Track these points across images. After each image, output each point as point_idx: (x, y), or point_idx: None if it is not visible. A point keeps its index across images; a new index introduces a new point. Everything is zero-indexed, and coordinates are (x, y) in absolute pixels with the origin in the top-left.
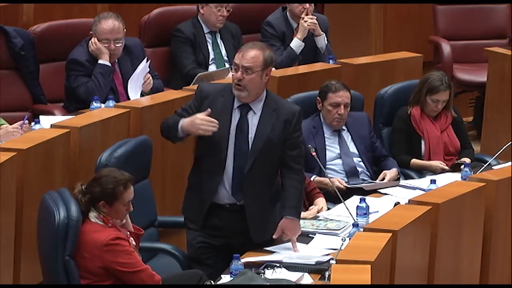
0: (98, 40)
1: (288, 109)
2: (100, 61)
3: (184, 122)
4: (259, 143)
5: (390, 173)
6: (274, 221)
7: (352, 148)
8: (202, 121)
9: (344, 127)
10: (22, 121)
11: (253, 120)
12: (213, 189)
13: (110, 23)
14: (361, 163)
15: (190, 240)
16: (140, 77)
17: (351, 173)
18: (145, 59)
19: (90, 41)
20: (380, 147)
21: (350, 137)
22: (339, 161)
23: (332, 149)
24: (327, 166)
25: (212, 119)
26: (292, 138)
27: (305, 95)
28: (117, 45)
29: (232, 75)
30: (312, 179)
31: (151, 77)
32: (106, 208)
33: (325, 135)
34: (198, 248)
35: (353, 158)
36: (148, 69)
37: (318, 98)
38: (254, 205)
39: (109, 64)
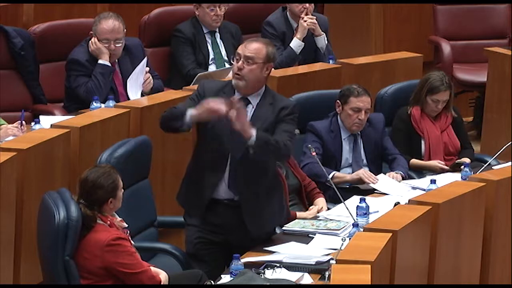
0: (98, 40)
1: (284, 102)
2: (100, 61)
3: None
4: None
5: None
6: (270, 213)
7: (363, 155)
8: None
9: (358, 132)
10: (20, 121)
11: (250, 113)
12: (213, 184)
13: (110, 23)
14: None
15: (189, 236)
16: (139, 76)
17: (356, 181)
18: (144, 58)
19: (90, 41)
20: (391, 147)
21: (362, 143)
22: (349, 169)
23: (345, 154)
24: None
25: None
26: (283, 121)
27: (306, 95)
28: (117, 45)
29: (233, 65)
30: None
31: (151, 77)
32: (112, 203)
33: (342, 139)
34: (196, 244)
35: (362, 167)
36: (148, 68)
37: (338, 101)
38: (249, 197)
39: (109, 64)
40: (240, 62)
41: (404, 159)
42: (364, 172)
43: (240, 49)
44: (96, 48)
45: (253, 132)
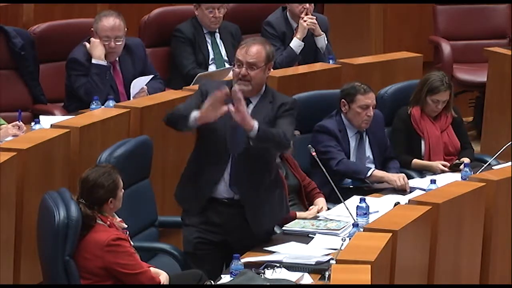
0: (99, 38)
1: (283, 99)
2: (93, 61)
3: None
4: None
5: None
6: (271, 210)
7: (368, 152)
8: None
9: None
10: (16, 122)
11: (250, 111)
12: (213, 181)
13: (111, 21)
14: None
15: (187, 236)
16: (140, 84)
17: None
18: (152, 76)
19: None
20: (390, 148)
21: (368, 140)
22: None
23: (351, 152)
24: None
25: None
26: (282, 117)
27: (307, 95)
28: (117, 43)
29: (234, 70)
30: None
31: (146, 92)
32: (112, 203)
33: (349, 137)
34: (195, 244)
35: (367, 164)
36: (146, 87)
37: (343, 100)
38: (250, 194)
39: (104, 63)
40: (244, 69)
41: (395, 162)
42: (405, 177)
43: (240, 55)
44: (90, 45)
45: (255, 123)
